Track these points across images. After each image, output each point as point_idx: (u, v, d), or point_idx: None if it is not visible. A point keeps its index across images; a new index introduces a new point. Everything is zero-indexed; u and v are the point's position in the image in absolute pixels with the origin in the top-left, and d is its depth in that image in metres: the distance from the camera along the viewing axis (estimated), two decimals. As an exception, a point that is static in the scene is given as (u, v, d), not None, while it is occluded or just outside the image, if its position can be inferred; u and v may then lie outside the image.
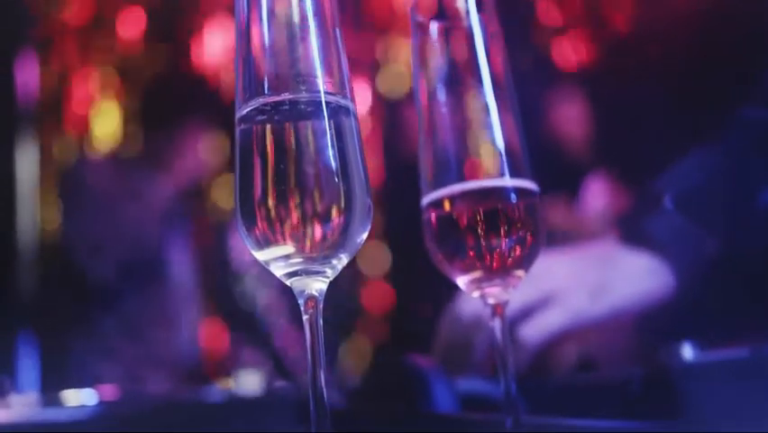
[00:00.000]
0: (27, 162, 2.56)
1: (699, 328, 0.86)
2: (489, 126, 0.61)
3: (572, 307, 0.84)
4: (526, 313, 0.85)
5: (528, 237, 0.61)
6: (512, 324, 0.83)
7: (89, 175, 2.38)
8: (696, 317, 0.90)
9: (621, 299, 0.85)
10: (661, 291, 0.86)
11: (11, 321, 2.37)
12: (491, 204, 0.61)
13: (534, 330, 0.84)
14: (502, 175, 0.61)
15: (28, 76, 2.62)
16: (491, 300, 0.61)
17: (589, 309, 0.84)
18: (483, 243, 0.60)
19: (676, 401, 0.72)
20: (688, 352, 0.79)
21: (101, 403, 0.92)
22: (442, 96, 0.63)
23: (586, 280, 0.85)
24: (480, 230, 0.60)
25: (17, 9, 2.63)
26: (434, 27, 0.64)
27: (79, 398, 0.91)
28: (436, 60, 0.64)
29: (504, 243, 0.60)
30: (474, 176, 0.61)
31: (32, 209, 2.52)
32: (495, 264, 0.60)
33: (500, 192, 0.61)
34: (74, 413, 0.84)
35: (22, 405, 0.90)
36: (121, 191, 2.35)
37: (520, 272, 0.62)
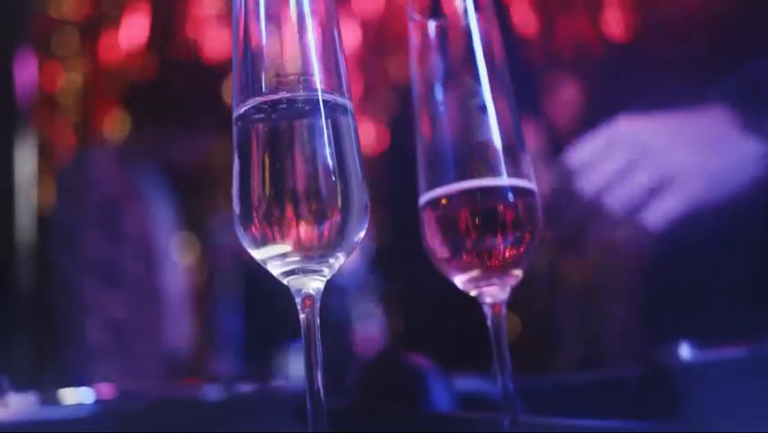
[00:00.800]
0: (26, 159, 2.56)
1: (698, 327, 0.86)
2: (486, 125, 0.61)
3: (692, 193, 0.82)
4: (646, 195, 0.82)
5: (526, 236, 0.61)
6: (637, 208, 0.82)
7: (89, 172, 2.37)
8: (694, 315, 0.91)
9: (738, 186, 0.84)
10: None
11: (8, 319, 2.37)
12: (489, 203, 0.61)
13: (656, 216, 0.81)
14: (500, 174, 0.61)
15: (27, 72, 2.62)
16: (489, 299, 0.61)
17: (707, 196, 0.82)
18: (481, 242, 0.60)
19: (674, 401, 0.72)
20: (686, 351, 0.79)
21: (99, 402, 0.92)
22: (439, 94, 0.63)
23: (705, 165, 0.82)
24: (477, 229, 0.60)
25: (16, 4, 2.63)
26: (431, 26, 0.64)
27: (77, 396, 0.91)
28: (434, 59, 0.64)
29: (501, 242, 0.60)
30: (472, 175, 0.61)
31: (31, 207, 2.52)
32: (492, 263, 0.60)
33: (498, 191, 0.61)
34: (72, 412, 0.84)
35: (21, 404, 0.90)
36: (120, 188, 2.35)
37: (518, 271, 0.62)
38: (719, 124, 0.84)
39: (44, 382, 2.20)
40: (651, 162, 0.81)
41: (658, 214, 0.81)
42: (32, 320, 2.34)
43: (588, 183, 0.86)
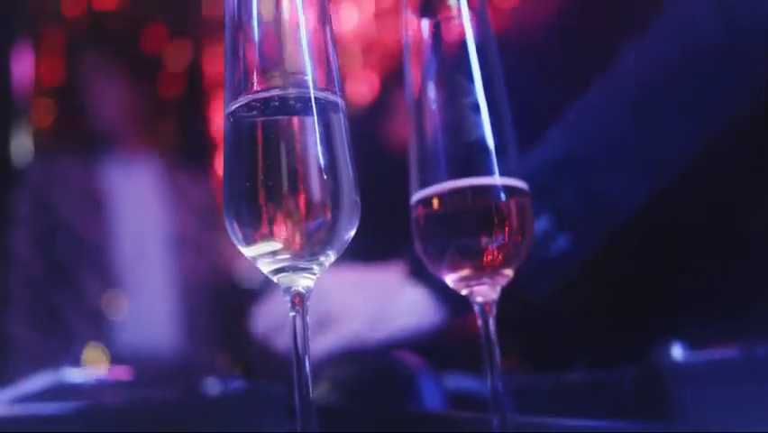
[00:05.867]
0: (22, 153, 2.56)
1: (689, 328, 0.86)
2: (479, 124, 0.61)
3: (350, 331, 0.91)
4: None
5: (517, 236, 0.61)
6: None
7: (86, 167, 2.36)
8: (686, 316, 0.91)
9: (396, 329, 0.91)
10: (430, 326, 0.92)
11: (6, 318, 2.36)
12: (481, 202, 0.61)
13: (317, 349, 0.89)
14: (492, 173, 0.61)
15: (24, 67, 2.62)
16: (479, 299, 0.61)
17: (365, 335, 0.91)
18: (472, 241, 0.60)
19: (666, 401, 0.72)
20: (678, 352, 0.79)
21: (93, 399, 0.92)
22: (432, 93, 0.63)
23: (367, 307, 0.92)
24: (468, 228, 0.60)
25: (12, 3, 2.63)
26: (424, 24, 0.64)
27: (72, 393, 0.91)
28: (427, 57, 0.64)
29: (493, 241, 0.60)
30: (464, 174, 0.61)
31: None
32: (483, 263, 0.60)
33: (490, 190, 0.61)
34: (66, 407, 0.83)
35: (17, 400, 0.90)
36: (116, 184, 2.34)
37: (509, 271, 0.62)
38: (390, 275, 0.94)
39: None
40: (320, 306, 0.91)
41: (317, 347, 0.89)
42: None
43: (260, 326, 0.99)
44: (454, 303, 0.89)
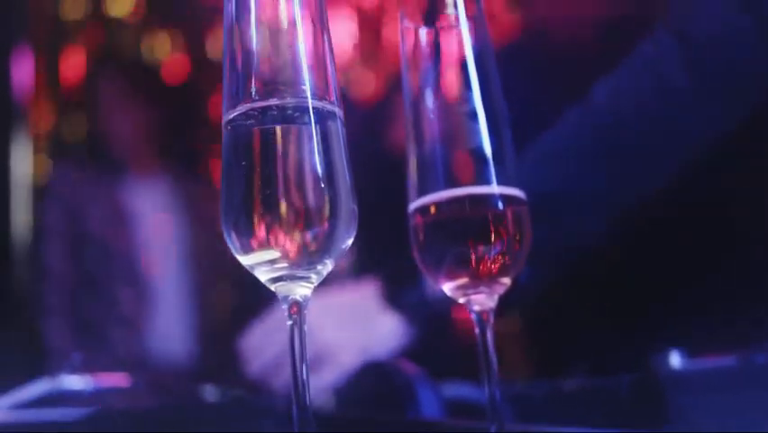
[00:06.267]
0: (22, 157, 2.56)
1: (687, 336, 0.86)
2: (477, 133, 0.61)
3: (343, 364, 0.94)
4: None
5: (515, 245, 0.61)
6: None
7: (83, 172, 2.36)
8: (683, 324, 0.91)
9: (377, 355, 0.95)
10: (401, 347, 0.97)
11: (5, 318, 2.36)
12: (478, 211, 0.61)
13: (315, 388, 0.89)
14: (489, 182, 0.61)
15: (23, 71, 2.62)
16: (477, 307, 0.61)
17: (352, 364, 0.94)
18: (469, 250, 0.60)
19: (663, 409, 0.72)
20: (675, 359, 0.80)
21: (95, 402, 0.92)
22: (430, 101, 0.63)
23: (354, 339, 0.95)
24: (466, 237, 0.60)
25: (13, 3, 2.63)
26: (422, 32, 0.64)
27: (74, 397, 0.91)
28: (424, 66, 0.64)
29: (490, 250, 0.60)
30: (461, 182, 0.61)
31: (27, 205, 2.52)
32: (481, 272, 0.60)
33: (487, 199, 0.61)
34: (66, 413, 0.84)
35: (17, 405, 0.90)
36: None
37: (506, 279, 0.62)
38: (368, 300, 0.97)
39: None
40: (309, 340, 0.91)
41: (317, 385, 0.91)
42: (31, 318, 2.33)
43: (254, 367, 0.99)
44: (430, 321, 0.94)
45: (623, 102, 0.91)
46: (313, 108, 0.52)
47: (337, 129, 0.53)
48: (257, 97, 0.52)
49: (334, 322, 0.97)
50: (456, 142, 0.62)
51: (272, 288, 0.53)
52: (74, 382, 0.97)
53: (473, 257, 0.60)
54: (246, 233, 0.51)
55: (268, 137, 0.51)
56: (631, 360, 0.80)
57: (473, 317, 0.62)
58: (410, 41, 0.65)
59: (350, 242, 0.53)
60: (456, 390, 0.82)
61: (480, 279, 0.60)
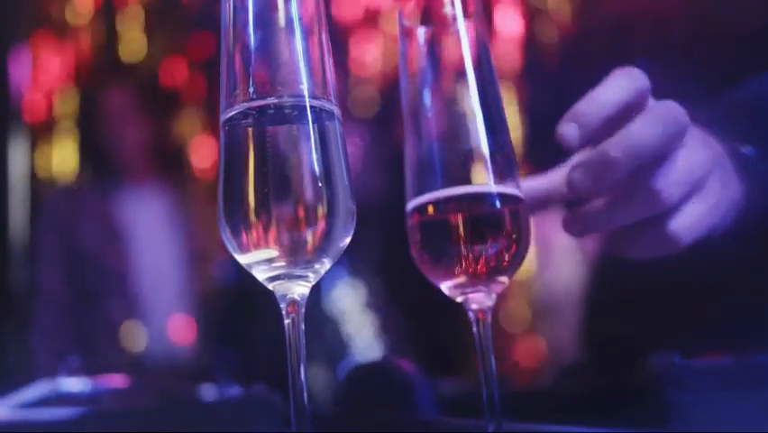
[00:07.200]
0: (20, 161, 2.56)
1: (684, 336, 0.86)
2: (474, 132, 0.61)
3: (719, 203, 0.70)
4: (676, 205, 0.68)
5: (512, 244, 0.61)
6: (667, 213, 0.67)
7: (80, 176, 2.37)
8: (684, 324, 0.91)
9: (736, 192, 0.73)
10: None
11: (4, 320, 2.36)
12: (476, 210, 0.61)
13: (689, 228, 0.68)
14: (487, 181, 0.61)
15: (21, 74, 2.62)
16: (475, 306, 0.61)
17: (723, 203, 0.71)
18: (467, 248, 0.60)
19: (663, 408, 0.72)
20: (675, 359, 0.79)
21: (92, 401, 0.92)
22: (428, 100, 0.63)
23: (718, 170, 0.71)
24: (464, 236, 0.60)
25: (11, 6, 2.63)
26: (420, 32, 0.64)
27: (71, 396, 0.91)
28: (423, 65, 0.64)
29: (488, 249, 0.60)
30: (459, 181, 0.61)
31: (25, 209, 2.52)
32: (479, 270, 0.60)
33: (485, 198, 0.61)
34: (65, 412, 0.84)
35: (14, 405, 0.90)
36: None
37: (504, 278, 0.62)
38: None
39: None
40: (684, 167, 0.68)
41: (692, 225, 0.69)
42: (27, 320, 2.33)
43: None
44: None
45: None
46: (310, 107, 0.52)
47: (335, 128, 0.53)
48: (254, 96, 0.52)
49: (703, 154, 0.68)
50: (453, 140, 0.62)
51: (270, 287, 0.53)
52: (72, 383, 0.97)
53: (471, 256, 0.60)
54: (243, 232, 0.51)
55: (265, 136, 0.51)
56: (631, 360, 0.80)
57: (471, 315, 0.62)
58: (408, 40, 0.65)
59: (348, 240, 0.53)
60: (454, 388, 0.82)
61: (477, 277, 0.60)
